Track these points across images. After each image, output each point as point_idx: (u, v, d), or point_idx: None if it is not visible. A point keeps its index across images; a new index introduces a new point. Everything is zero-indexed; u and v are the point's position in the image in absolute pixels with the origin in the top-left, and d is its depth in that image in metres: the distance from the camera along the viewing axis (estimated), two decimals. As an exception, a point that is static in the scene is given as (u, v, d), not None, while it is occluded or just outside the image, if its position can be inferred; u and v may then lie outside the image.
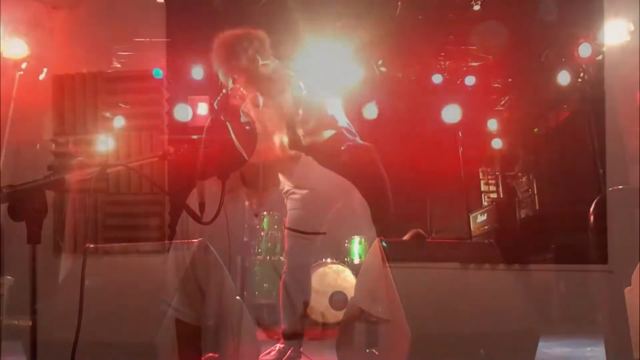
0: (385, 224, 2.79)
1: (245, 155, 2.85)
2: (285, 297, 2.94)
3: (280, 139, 2.93)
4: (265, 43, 2.98)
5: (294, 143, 2.88)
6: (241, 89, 2.86)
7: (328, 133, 2.89)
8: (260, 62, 2.93)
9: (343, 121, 3.04)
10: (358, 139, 3.04)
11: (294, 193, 3.04)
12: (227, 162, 2.07)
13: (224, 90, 2.83)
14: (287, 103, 2.92)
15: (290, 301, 2.93)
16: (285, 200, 3.13)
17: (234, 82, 2.82)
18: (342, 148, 2.95)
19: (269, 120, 2.93)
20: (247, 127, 2.81)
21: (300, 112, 2.88)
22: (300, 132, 2.87)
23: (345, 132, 3.00)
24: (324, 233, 3.02)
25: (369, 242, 5.37)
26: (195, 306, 2.30)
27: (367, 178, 2.88)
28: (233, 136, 2.78)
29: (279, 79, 2.96)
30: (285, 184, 3.11)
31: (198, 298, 2.33)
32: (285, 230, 3.04)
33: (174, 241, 2.44)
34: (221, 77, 2.96)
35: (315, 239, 3.00)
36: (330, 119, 2.97)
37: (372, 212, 2.85)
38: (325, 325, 5.04)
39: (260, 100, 2.96)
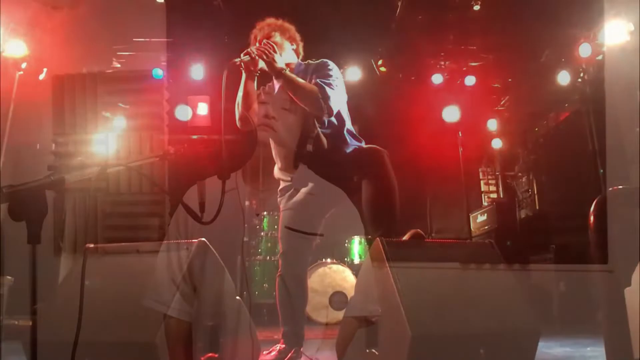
0: (389, 228, 2.78)
1: (238, 123, 2.92)
2: (282, 299, 2.92)
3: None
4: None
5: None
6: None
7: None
8: (287, 51, 2.98)
9: (348, 123, 3.03)
10: (363, 145, 3.04)
11: (290, 191, 3.03)
12: (227, 162, 2.07)
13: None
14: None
15: (287, 303, 2.91)
16: (279, 198, 3.12)
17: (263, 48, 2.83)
18: (348, 151, 2.95)
19: (288, 121, 2.95)
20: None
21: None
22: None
23: (351, 138, 3.00)
24: (322, 235, 3.01)
25: (369, 242, 5.36)
26: (193, 304, 2.30)
27: (374, 179, 2.86)
28: (241, 92, 2.86)
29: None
30: (282, 181, 3.09)
31: (197, 297, 2.33)
32: (279, 232, 3.00)
33: (174, 241, 2.44)
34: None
35: (311, 239, 2.98)
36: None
37: (378, 214, 2.84)
38: (325, 325, 5.04)
39: (276, 86, 3.00)
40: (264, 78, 3.01)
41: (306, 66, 3.03)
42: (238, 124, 2.92)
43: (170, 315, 2.14)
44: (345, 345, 2.61)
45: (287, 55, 2.99)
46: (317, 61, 3.04)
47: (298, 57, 3.08)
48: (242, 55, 2.77)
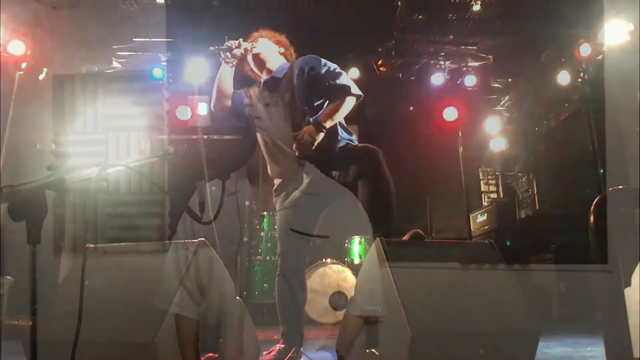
0: (386, 228, 2.77)
1: (212, 104, 3.06)
2: (281, 298, 2.92)
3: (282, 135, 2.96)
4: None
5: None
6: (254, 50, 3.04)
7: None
8: (273, 53, 3.10)
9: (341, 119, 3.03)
10: (354, 139, 3.04)
11: (285, 191, 3.02)
12: (227, 162, 2.07)
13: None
14: (291, 101, 2.94)
15: (287, 303, 2.91)
16: (274, 198, 3.11)
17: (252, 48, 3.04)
18: (339, 146, 2.95)
19: (275, 116, 2.96)
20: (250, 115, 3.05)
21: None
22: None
23: (342, 131, 2.99)
24: (327, 237, 3.03)
25: (369, 242, 5.38)
26: (198, 301, 2.30)
27: (370, 180, 2.86)
28: (219, 75, 3.04)
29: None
30: (276, 179, 3.09)
31: (199, 294, 2.33)
32: (277, 232, 3.00)
33: (174, 241, 2.44)
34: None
35: (309, 238, 2.97)
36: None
37: (374, 214, 2.83)
38: (325, 325, 5.05)
39: (254, 87, 3.12)
40: (243, 77, 3.16)
41: (291, 64, 3.08)
42: (211, 104, 3.07)
43: (173, 313, 2.15)
44: (345, 345, 2.61)
45: (273, 57, 3.08)
46: (304, 57, 3.07)
47: (291, 61, 3.13)
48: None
